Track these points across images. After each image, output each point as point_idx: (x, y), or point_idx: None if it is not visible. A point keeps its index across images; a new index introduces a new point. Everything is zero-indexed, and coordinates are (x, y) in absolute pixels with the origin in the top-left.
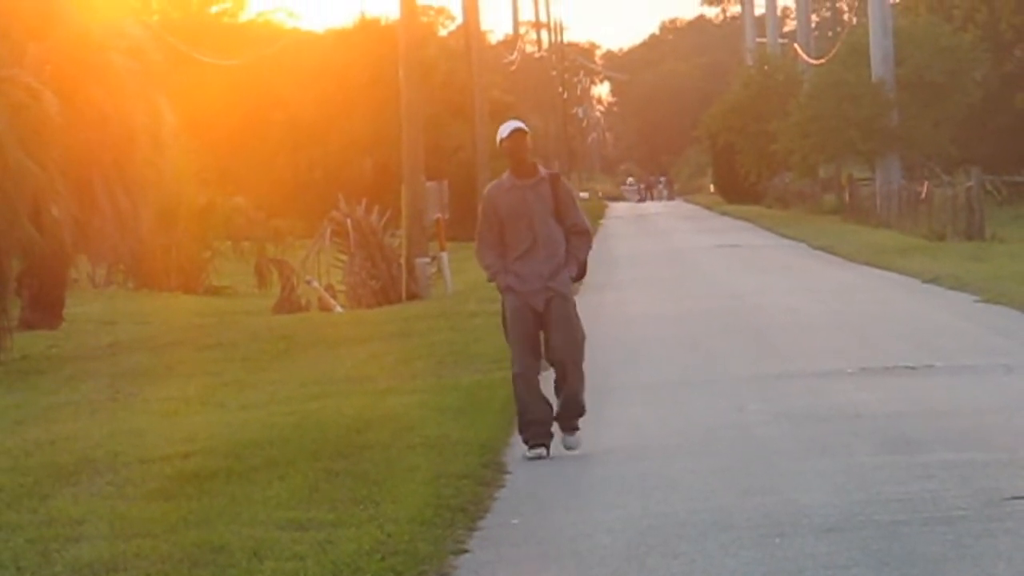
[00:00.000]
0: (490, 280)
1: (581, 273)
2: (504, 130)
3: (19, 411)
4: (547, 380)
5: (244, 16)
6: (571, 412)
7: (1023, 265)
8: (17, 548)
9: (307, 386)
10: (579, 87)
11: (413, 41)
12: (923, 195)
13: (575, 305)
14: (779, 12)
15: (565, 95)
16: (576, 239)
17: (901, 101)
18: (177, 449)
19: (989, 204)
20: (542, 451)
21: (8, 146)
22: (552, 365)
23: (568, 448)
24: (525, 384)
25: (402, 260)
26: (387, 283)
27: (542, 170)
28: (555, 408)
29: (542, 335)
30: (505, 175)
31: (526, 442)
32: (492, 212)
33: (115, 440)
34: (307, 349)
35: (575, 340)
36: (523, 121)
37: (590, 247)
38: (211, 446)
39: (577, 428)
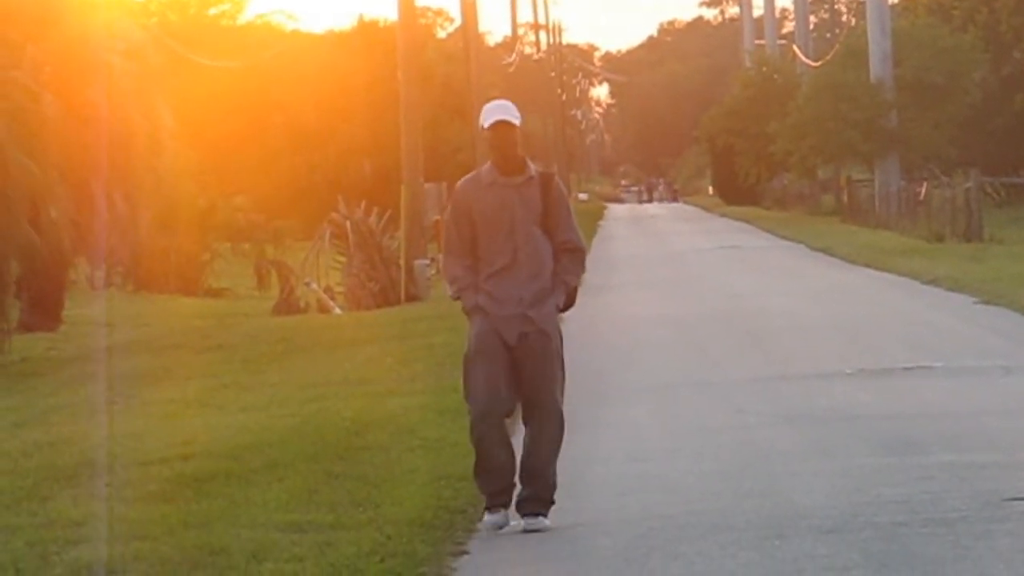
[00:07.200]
0: (455, 297)
1: (569, 303)
2: (486, 117)
3: (18, 413)
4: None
5: (243, 18)
6: (536, 494)
7: (1022, 267)
8: (16, 550)
9: (306, 388)
10: (578, 89)
11: (412, 43)
12: (922, 196)
13: (561, 342)
14: (777, 14)
15: (564, 97)
16: (567, 258)
17: (900, 102)
18: (176, 451)
19: (988, 206)
20: (501, 517)
21: (7, 148)
22: (523, 411)
23: (526, 530)
24: (487, 429)
25: (401, 262)
26: (386, 285)
27: (532, 167)
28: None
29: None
30: (485, 167)
31: (486, 503)
32: (463, 213)
33: (114, 442)
34: (306, 351)
35: (553, 377)
36: (512, 105)
37: (583, 270)
38: (210, 448)
39: (541, 514)
